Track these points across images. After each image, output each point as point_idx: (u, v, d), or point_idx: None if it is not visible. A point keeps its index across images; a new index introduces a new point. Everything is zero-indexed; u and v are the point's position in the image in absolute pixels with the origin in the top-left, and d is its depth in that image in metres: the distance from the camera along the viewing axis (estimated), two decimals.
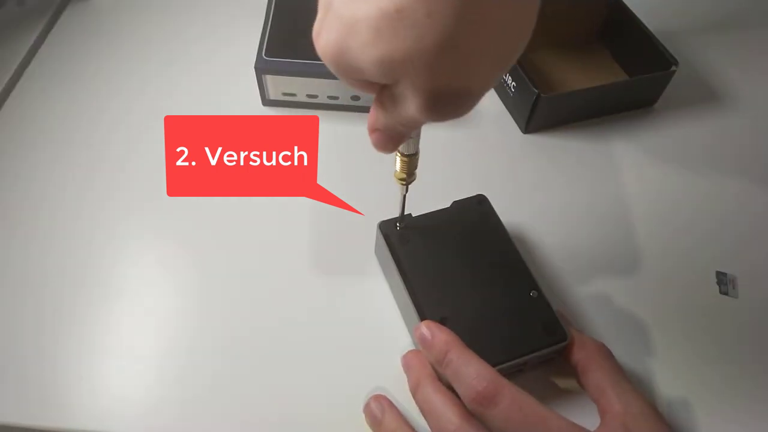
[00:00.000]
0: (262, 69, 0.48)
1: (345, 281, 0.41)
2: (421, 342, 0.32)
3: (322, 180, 0.46)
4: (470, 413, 0.30)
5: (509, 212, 0.40)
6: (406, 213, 0.37)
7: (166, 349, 0.37)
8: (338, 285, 0.41)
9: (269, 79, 0.49)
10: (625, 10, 0.53)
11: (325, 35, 0.24)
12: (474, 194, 0.39)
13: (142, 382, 0.36)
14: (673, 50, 0.49)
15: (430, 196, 0.37)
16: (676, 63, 0.48)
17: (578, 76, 0.53)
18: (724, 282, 0.41)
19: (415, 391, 0.33)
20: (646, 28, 0.51)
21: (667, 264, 0.42)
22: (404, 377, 0.34)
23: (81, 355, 0.37)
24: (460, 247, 0.34)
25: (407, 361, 0.34)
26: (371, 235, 0.39)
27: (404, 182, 0.33)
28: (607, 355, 0.33)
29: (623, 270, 0.42)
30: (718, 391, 0.36)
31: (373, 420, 0.33)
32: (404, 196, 0.35)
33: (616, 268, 0.42)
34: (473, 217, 0.38)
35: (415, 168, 0.32)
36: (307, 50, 0.48)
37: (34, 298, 0.39)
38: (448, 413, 0.30)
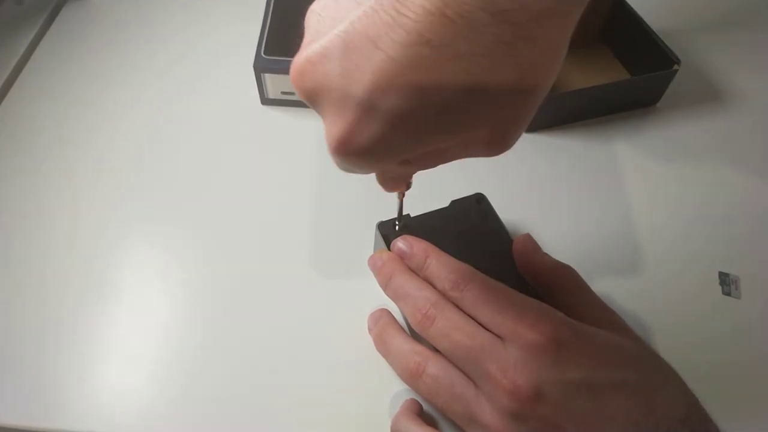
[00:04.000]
0: (261, 68, 0.48)
1: (344, 281, 0.40)
2: (401, 255, 0.33)
3: (322, 179, 0.46)
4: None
5: (509, 211, 0.39)
6: (404, 213, 0.36)
7: (166, 350, 0.37)
8: (337, 285, 0.40)
9: (268, 78, 0.49)
10: (627, 8, 0.53)
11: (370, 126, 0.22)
12: (473, 193, 0.39)
13: (142, 382, 0.36)
14: (676, 49, 0.49)
15: (428, 196, 0.37)
16: (678, 62, 0.48)
17: (580, 75, 0.53)
18: (727, 282, 0.41)
19: (386, 284, 0.33)
20: (648, 26, 0.51)
21: (669, 264, 0.42)
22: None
23: (81, 356, 0.37)
24: (459, 246, 0.34)
25: (375, 261, 0.34)
26: (371, 235, 0.39)
27: (399, 190, 0.33)
28: (573, 274, 0.34)
29: (624, 270, 0.41)
30: (721, 391, 0.36)
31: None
32: (401, 201, 0.35)
33: (617, 268, 0.42)
34: (472, 216, 0.38)
35: (410, 177, 0.32)
36: None
37: (33, 299, 0.39)
38: (425, 292, 0.31)
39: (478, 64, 0.19)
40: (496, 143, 0.24)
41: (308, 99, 0.23)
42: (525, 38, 0.19)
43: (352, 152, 0.22)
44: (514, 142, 0.24)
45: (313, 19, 0.23)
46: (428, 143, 0.23)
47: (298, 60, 0.22)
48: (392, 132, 0.21)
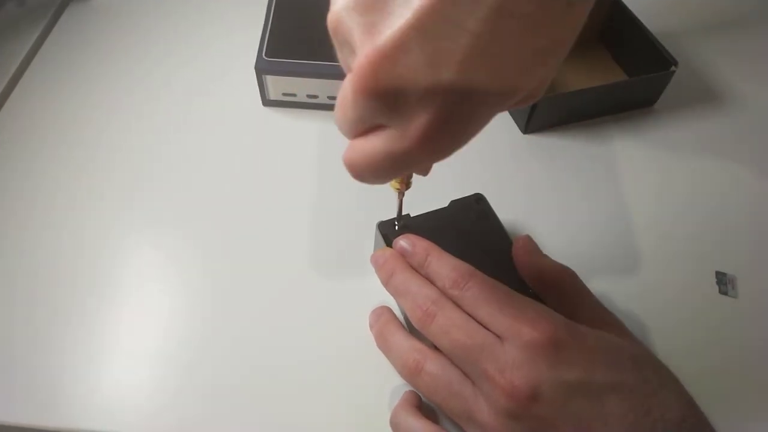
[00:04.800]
0: (262, 69, 0.48)
1: (344, 281, 0.41)
2: (403, 253, 0.33)
3: (323, 180, 0.47)
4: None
5: (508, 212, 0.40)
6: (404, 213, 0.37)
7: (167, 350, 0.38)
8: (337, 285, 0.41)
9: (269, 80, 0.49)
10: (625, 10, 0.53)
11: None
12: (472, 193, 0.39)
13: (142, 382, 0.36)
14: (673, 50, 0.49)
15: (428, 196, 0.37)
16: (675, 63, 0.48)
17: (578, 77, 0.53)
18: (724, 282, 0.41)
19: (388, 281, 0.33)
20: (646, 28, 0.51)
21: (666, 264, 0.42)
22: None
23: (81, 355, 0.37)
24: (459, 246, 0.34)
25: (377, 258, 0.35)
26: (370, 235, 0.39)
27: (399, 190, 0.33)
28: (572, 276, 0.34)
29: (622, 269, 0.42)
30: (718, 391, 0.36)
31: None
32: (401, 200, 0.35)
33: (614, 268, 0.42)
34: (471, 217, 0.38)
35: (411, 177, 0.33)
36: (308, 50, 0.49)
37: (34, 298, 0.40)
38: (426, 290, 0.31)
39: (551, 29, 0.20)
40: (533, 99, 0.24)
41: (386, 98, 0.21)
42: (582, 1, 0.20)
43: (440, 142, 0.22)
44: (453, 147, 0.23)
45: (350, 16, 0.21)
46: (497, 112, 0.23)
47: (371, 57, 0.20)
48: (479, 110, 0.21)
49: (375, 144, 0.23)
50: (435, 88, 0.20)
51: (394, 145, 0.22)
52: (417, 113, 0.21)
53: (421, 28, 0.19)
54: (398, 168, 0.24)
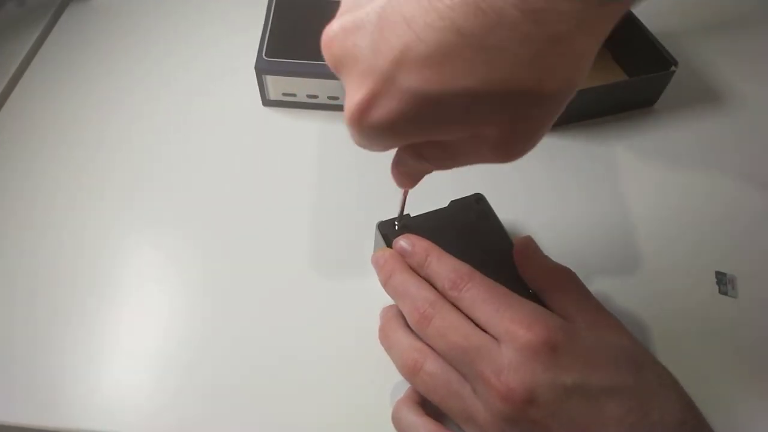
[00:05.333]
0: (262, 69, 0.48)
1: (344, 281, 0.41)
2: (403, 253, 0.34)
3: (323, 180, 0.47)
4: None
5: (508, 211, 0.40)
6: (404, 213, 0.37)
7: (167, 350, 0.38)
8: (337, 285, 0.41)
9: (269, 80, 0.49)
10: None
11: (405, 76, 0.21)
12: (472, 194, 0.39)
13: (142, 382, 0.36)
14: (673, 50, 0.49)
15: (428, 196, 0.37)
16: (675, 63, 0.48)
17: None
18: (724, 282, 0.41)
19: (387, 281, 0.33)
20: (646, 28, 0.51)
21: (666, 264, 0.42)
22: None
23: (81, 355, 0.37)
24: (459, 246, 0.34)
25: (377, 258, 0.35)
26: (370, 235, 0.39)
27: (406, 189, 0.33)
28: (572, 277, 0.34)
29: (622, 269, 0.42)
30: (718, 390, 0.36)
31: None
32: (404, 199, 0.35)
33: (614, 268, 0.42)
34: (471, 217, 0.38)
35: (412, 186, 0.33)
36: (308, 50, 0.49)
37: (34, 298, 0.40)
38: (424, 292, 0.31)
39: (502, 58, 0.20)
40: (506, 146, 0.24)
41: (334, 66, 0.23)
42: (552, 41, 0.19)
43: (367, 123, 0.23)
44: (526, 150, 0.24)
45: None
46: (441, 129, 0.23)
47: (332, 27, 0.23)
48: (408, 109, 0.22)
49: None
50: (369, 69, 0.22)
51: (346, 108, 0.24)
52: (352, 87, 0.23)
53: (380, 16, 0.21)
54: (356, 135, 0.25)
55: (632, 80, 0.51)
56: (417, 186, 0.33)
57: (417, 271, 0.33)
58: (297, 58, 0.48)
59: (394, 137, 0.24)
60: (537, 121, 0.23)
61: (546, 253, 0.35)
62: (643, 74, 0.49)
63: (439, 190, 0.39)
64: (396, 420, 0.32)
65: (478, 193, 0.39)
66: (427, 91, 0.21)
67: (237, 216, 0.44)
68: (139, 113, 0.51)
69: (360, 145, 0.25)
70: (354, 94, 0.23)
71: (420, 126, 0.23)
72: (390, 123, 0.23)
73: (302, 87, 0.50)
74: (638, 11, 0.52)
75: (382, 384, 0.36)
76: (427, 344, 0.31)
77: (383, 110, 0.22)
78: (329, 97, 0.50)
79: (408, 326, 0.33)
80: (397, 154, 0.29)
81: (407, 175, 0.30)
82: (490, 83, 0.20)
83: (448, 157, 0.26)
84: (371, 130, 0.23)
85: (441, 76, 0.21)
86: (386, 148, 0.26)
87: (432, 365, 0.31)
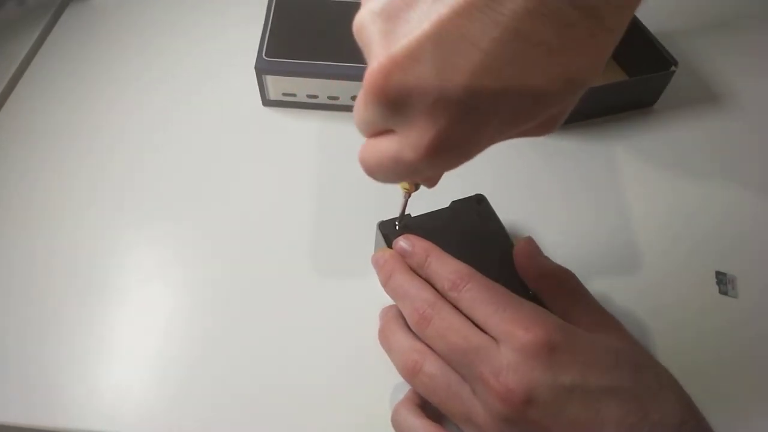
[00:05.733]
0: (262, 69, 0.48)
1: (345, 281, 0.41)
2: (403, 254, 0.34)
3: (323, 180, 0.47)
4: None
5: (508, 212, 0.40)
6: (405, 213, 0.37)
7: (167, 350, 0.38)
8: (338, 285, 0.41)
9: (269, 80, 0.49)
10: None
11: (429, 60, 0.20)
12: (473, 194, 0.39)
13: (142, 382, 0.36)
14: (673, 51, 0.49)
15: (428, 196, 0.37)
16: (675, 63, 0.48)
17: None
18: (724, 282, 0.41)
19: (386, 282, 0.33)
20: (646, 28, 0.51)
21: (666, 264, 0.42)
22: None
23: (81, 355, 0.37)
24: (460, 246, 0.34)
25: (377, 259, 0.35)
26: (371, 235, 0.39)
27: (407, 190, 0.33)
28: (572, 279, 0.34)
29: (622, 270, 0.42)
30: (718, 390, 0.36)
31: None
32: (406, 200, 0.35)
33: (615, 268, 0.42)
34: (472, 217, 0.38)
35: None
36: (308, 50, 0.49)
37: (34, 298, 0.40)
38: (423, 293, 0.31)
39: (571, 56, 0.20)
40: (550, 128, 0.24)
41: (394, 105, 0.21)
42: (606, 31, 0.20)
43: (443, 155, 0.22)
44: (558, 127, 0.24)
45: (373, 21, 0.22)
46: (506, 135, 0.23)
47: (383, 63, 0.21)
48: (484, 129, 0.21)
49: (384, 146, 0.24)
50: (441, 100, 0.20)
51: (400, 151, 0.23)
52: (422, 123, 0.21)
53: (436, 41, 0.20)
54: (403, 173, 0.24)
55: (632, 80, 0.51)
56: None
57: (417, 272, 0.33)
58: (297, 58, 0.48)
59: (465, 157, 0.23)
60: (574, 102, 0.23)
61: (546, 253, 0.35)
62: (643, 74, 0.49)
63: (440, 190, 0.39)
64: (395, 422, 0.32)
65: (479, 194, 0.39)
66: (504, 105, 0.21)
67: (237, 216, 0.44)
68: (138, 113, 0.51)
69: (414, 173, 0.24)
70: (426, 131, 0.21)
71: (491, 139, 0.22)
72: (465, 147, 0.22)
73: (302, 87, 0.50)
74: (638, 11, 0.52)
75: (382, 385, 0.36)
76: (427, 345, 0.31)
77: (460, 137, 0.21)
78: (329, 97, 0.50)
79: (408, 327, 0.33)
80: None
81: (429, 178, 0.30)
82: (563, 81, 0.21)
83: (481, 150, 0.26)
84: (444, 160, 0.22)
85: (520, 86, 0.20)
86: (448, 170, 0.25)
87: (431, 366, 0.31)
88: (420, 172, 0.24)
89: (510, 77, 0.20)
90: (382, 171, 0.25)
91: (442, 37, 0.20)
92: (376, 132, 0.24)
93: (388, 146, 0.24)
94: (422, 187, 0.34)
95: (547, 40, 0.19)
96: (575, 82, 0.21)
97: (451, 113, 0.21)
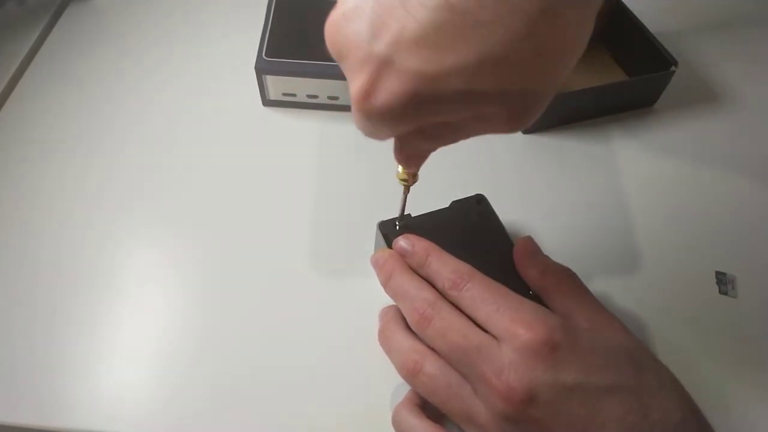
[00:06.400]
0: (262, 69, 0.48)
1: (345, 281, 0.41)
2: (403, 253, 0.34)
3: (323, 180, 0.47)
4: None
5: (508, 212, 0.40)
6: (405, 213, 0.37)
7: (167, 349, 0.38)
8: (338, 285, 0.41)
9: (269, 80, 0.49)
10: (625, 10, 0.53)
11: (398, 65, 0.22)
12: (473, 194, 0.39)
13: (142, 382, 0.36)
14: (673, 51, 0.49)
15: (429, 196, 0.37)
16: (675, 63, 0.48)
17: (578, 77, 0.53)
18: (724, 282, 0.41)
19: (386, 282, 0.33)
20: (646, 28, 0.51)
21: (666, 264, 0.42)
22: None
23: (81, 355, 0.37)
24: (460, 246, 0.34)
25: (377, 259, 0.35)
26: (371, 235, 0.39)
27: (407, 183, 0.33)
28: (573, 277, 0.34)
29: (622, 270, 0.42)
30: (718, 390, 0.36)
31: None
32: (405, 197, 0.35)
33: (615, 268, 0.42)
34: (472, 217, 0.38)
35: (418, 169, 0.33)
36: (308, 50, 0.49)
37: (34, 298, 0.40)
38: (424, 293, 0.31)
39: (497, 33, 0.20)
40: (512, 120, 0.24)
41: (337, 54, 0.24)
42: (546, 14, 0.20)
43: (371, 109, 0.23)
44: (532, 119, 0.24)
45: None
46: (445, 110, 0.23)
47: (334, 15, 0.23)
48: (410, 92, 0.22)
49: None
50: (371, 55, 0.22)
51: (351, 97, 0.24)
52: (353, 75, 0.23)
53: (378, 3, 0.21)
54: (361, 127, 0.25)
55: (632, 80, 0.51)
56: (418, 186, 0.33)
57: (417, 271, 0.33)
58: (297, 58, 0.48)
59: (399, 121, 0.24)
60: (539, 93, 0.23)
61: (546, 253, 0.35)
62: (643, 74, 0.49)
63: (440, 190, 0.39)
64: (396, 423, 0.32)
65: (479, 194, 0.39)
66: (426, 70, 0.21)
67: (237, 216, 0.44)
68: (138, 113, 0.51)
69: (367, 133, 0.26)
70: (356, 81, 0.23)
71: (424, 108, 0.23)
72: (394, 106, 0.23)
73: (302, 87, 0.50)
74: (638, 11, 0.52)
75: (382, 386, 0.36)
76: (427, 345, 0.31)
77: (386, 94, 0.22)
78: (329, 97, 0.50)
79: (407, 327, 0.33)
80: (399, 138, 0.29)
81: (413, 157, 0.30)
82: (487, 58, 0.21)
83: (456, 134, 0.26)
84: (376, 115, 0.23)
85: (438, 54, 0.21)
86: (392, 134, 0.26)
87: (431, 366, 0.31)
88: (366, 129, 0.25)
89: (432, 45, 0.21)
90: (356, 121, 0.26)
91: (383, 2, 0.21)
92: None
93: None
94: (423, 188, 0.35)
95: (474, 12, 0.20)
96: (506, 62, 0.21)
97: (376, 66, 0.22)
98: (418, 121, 0.24)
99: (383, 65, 0.22)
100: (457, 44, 0.21)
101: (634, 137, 0.50)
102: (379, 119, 0.24)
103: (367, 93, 0.23)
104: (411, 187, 0.34)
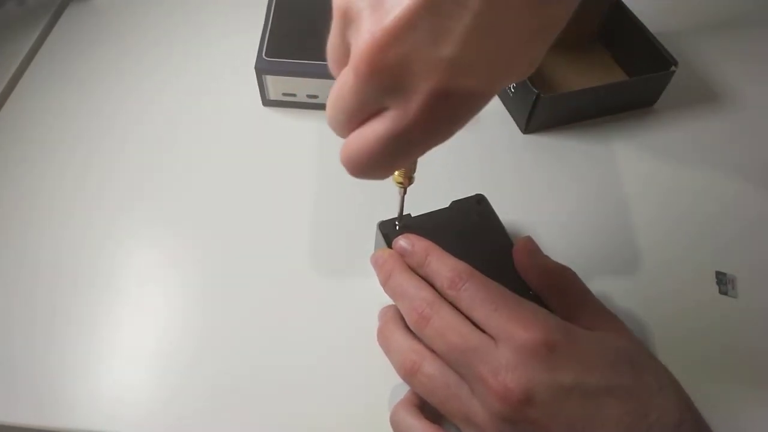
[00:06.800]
0: (262, 69, 0.48)
1: (345, 281, 0.41)
2: (402, 253, 0.34)
3: (323, 180, 0.47)
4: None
5: (508, 212, 0.40)
6: (405, 213, 0.37)
7: (167, 349, 0.38)
8: (338, 285, 0.41)
9: (269, 80, 0.49)
10: (625, 10, 0.53)
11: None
12: (473, 194, 0.39)
13: (142, 382, 0.36)
14: (673, 50, 0.49)
15: (429, 196, 0.37)
16: (675, 63, 0.48)
17: (578, 77, 0.53)
18: (724, 282, 0.41)
19: (386, 282, 0.33)
20: (646, 28, 0.51)
21: (666, 264, 0.42)
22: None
23: (81, 355, 0.37)
24: (460, 246, 0.34)
25: (377, 258, 0.35)
26: (371, 235, 0.39)
27: (402, 185, 0.33)
28: (573, 277, 0.34)
29: (622, 270, 0.42)
30: (718, 390, 0.36)
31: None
32: (402, 198, 0.35)
33: (615, 268, 0.42)
34: (472, 217, 0.38)
35: (414, 172, 0.33)
36: (308, 50, 0.49)
37: (34, 298, 0.40)
38: (422, 292, 0.31)
39: (548, 6, 0.21)
40: (519, 77, 0.24)
41: (393, 77, 0.21)
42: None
43: (444, 116, 0.22)
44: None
45: None
46: (496, 89, 0.23)
47: (378, 37, 0.20)
48: (478, 87, 0.22)
49: (375, 128, 0.23)
50: (437, 63, 0.20)
51: (395, 125, 0.22)
52: (419, 89, 0.21)
53: (429, 7, 0.20)
54: (399, 151, 0.24)
55: (632, 80, 0.51)
56: (418, 186, 0.33)
57: (417, 271, 0.33)
58: (297, 58, 0.48)
59: (461, 122, 0.23)
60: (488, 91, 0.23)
61: (546, 253, 0.35)
62: (643, 74, 0.49)
63: (440, 190, 0.39)
64: (394, 423, 0.32)
65: (479, 194, 0.39)
66: (498, 60, 0.21)
67: (237, 216, 0.44)
68: (138, 113, 0.51)
69: (416, 146, 0.24)
70: (427, 91, 0.21)
71: (484, 95, 0.23)
72: (462, 108, 0.22)
73: (302, 87, 0.50)
74: (638, 11, 0.52)
75: (382, 386, 0.36)
76: (426, 345, 0.31)
77: (459, 97, 0.22)
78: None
79: (406, 327, 0.33)
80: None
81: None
82: (538, 29, 0.21)
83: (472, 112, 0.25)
84: (445, 125, 0.23)
85: (504, 36, 0.21)
86: (442, 140, 0.25)
87: (430, 367, 0.30)
88: (416, 144, 0.23)
89: (498, 33, 0.20)
90: (373, 157, 0.24)
91: (434, 3, 0.20)
92: (360, 121, 0.24)
93: (379, 127, 0.23)
94: (423, 188, 0.35)
95: None
96: (551, 32, 0.21)
97: (446, 74, 0.21)
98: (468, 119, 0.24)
99: (458, 68, 0.21)
100: (517, 26, 0.21)
101: (634, 137, 0.50)
102: (459, 121, 0.23)
103: (439, 102, 0.21)
104: (410, 188, 0.34)
